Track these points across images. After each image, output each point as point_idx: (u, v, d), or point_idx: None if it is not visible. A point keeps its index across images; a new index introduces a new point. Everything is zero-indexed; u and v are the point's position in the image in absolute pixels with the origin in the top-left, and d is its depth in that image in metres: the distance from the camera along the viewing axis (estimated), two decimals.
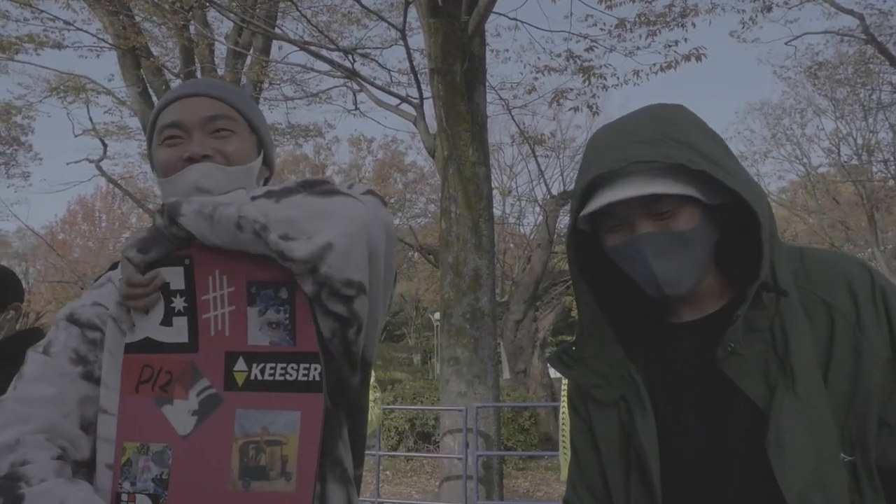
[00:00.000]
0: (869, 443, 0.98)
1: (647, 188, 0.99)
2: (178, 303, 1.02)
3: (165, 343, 1.02)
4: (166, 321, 1.02)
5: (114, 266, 1.20)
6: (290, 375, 1.00)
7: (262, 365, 1.00)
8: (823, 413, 0.97)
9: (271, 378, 1.00)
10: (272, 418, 0.99)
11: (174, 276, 1.03)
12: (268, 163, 1.24)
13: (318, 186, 1.04)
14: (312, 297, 0.99)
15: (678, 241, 1.01)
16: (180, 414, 1.00)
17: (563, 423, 2.64)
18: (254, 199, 1.01)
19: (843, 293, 1.02)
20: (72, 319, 1.11)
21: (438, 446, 7.24)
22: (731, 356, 1.01)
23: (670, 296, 1.03)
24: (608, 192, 1.01)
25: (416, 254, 17.53)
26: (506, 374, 13.79)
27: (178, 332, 1.02)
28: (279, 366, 1.00)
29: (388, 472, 9.28)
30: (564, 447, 2.73)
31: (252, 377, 1.00)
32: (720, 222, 1.06)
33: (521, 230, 19.50)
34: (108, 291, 1.12)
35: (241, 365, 1.00)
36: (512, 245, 19.19)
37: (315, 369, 0.99)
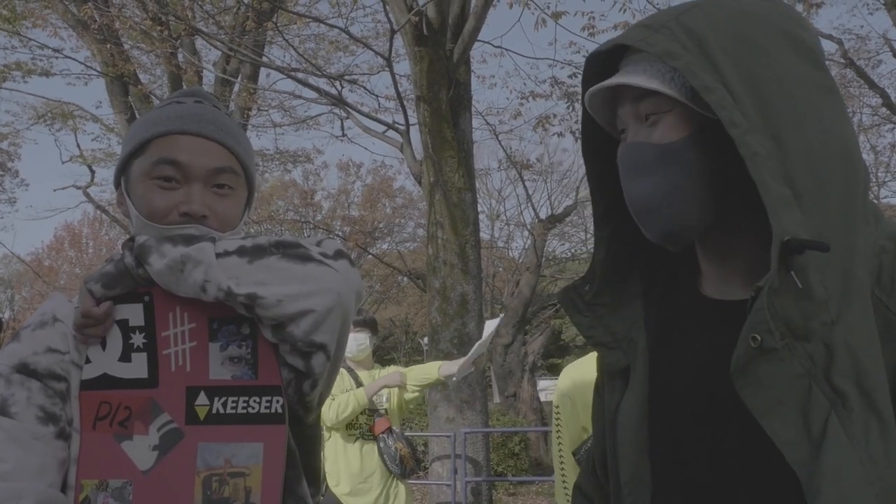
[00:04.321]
0: None
1: (622, 79, 0.80)
2: (137, 339, 1.03)
3: (124, 379, 1.02)
4: (125, 357, 1.03)
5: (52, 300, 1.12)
6: (253, 408, 1.01)
7: (224, 398, 1.01)
8: (894, 492, 0.67)
9: (234, 411, 1.00)
10: (235, 450, 0.99)
11: (133, 313, 1.03)
12: (248, 207, 1.21)
13: (292, 249, 1.01)
14: (273, 344, 1.01)
15: (655, 155, 0.79)
16: (140, 449, 1.00)
17: (560, 455, 2.54)
18: (225, 253, 0.99)
19: None
20: (27, 371, 1.01)
21: (427, 472, 7.18)
22: (747, 373, 0.71)
23: (651, 231, 0.82)
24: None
25: (405, 278, 17.53)
26: (495, 399, 13.72)
27: (137, 367, 1.02)
28: (241, 399, 1.01)
29: None
30: (565, 481, 2.58)
31: (214, 411, 1.01)
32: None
33: (510, 254, 19.57)
34: (59, 332, 1.05)
35: (202, 399, 1.01)
36: (501, 269, 19.22)
37: (277, 401, 1.01)
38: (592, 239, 0.96)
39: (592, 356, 1.32)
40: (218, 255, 0.99)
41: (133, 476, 0.99)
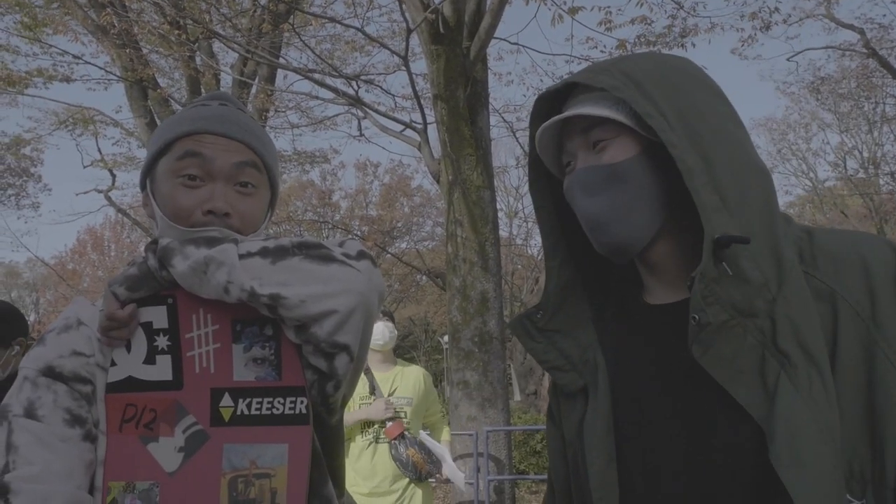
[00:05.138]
0: (887, 481, 0.78)
1: (576, 110, 0.90)
2: (162, 341, 1.03)
3: (149, 381, 1.03)
4: (149, 359, 1.03)
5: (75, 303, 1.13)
6: (277, 409, 1.01)
7: (248, 400, 1.01)
8: (836, 428, 0.78)
9: (258, 412, 1.00)
10: (260, 451, 0.99)
11: (157, 315, 1.03)
12: (271, 209, 1.22)
13: (314, 250, 1.02)
14: (296, 345, 1.01)
15: (605, 174, 0.89)
16: (166, 451, 1.00)
17: None
18: (248, 255, 0.99)
19: (855, 279, 0.82)
20: (53, 374, 1.02)
21: None
22: (710, 351, 0.81)
23: (602, 243, 0.91)
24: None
25: (424, 277, 17.55)
26: (517, 396, 13.71)
27: (161, 370, 1.02)
28: (266, 400, 1.01)
29: None
30: None
31: (238, 412, 1.01)
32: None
33: (529, 251, 19.52)
34: (83, 336, 1.05)
35: (227, 400, 1.01)
36: (520, 266, 19.19)
37: (301, 402, 1.01)
38: None
39: None
40: (241, 257, 0.99)
41: (159, 478, 1.00)
